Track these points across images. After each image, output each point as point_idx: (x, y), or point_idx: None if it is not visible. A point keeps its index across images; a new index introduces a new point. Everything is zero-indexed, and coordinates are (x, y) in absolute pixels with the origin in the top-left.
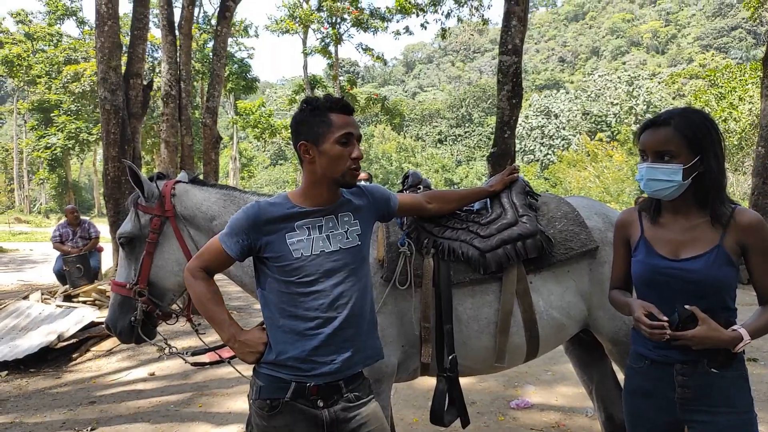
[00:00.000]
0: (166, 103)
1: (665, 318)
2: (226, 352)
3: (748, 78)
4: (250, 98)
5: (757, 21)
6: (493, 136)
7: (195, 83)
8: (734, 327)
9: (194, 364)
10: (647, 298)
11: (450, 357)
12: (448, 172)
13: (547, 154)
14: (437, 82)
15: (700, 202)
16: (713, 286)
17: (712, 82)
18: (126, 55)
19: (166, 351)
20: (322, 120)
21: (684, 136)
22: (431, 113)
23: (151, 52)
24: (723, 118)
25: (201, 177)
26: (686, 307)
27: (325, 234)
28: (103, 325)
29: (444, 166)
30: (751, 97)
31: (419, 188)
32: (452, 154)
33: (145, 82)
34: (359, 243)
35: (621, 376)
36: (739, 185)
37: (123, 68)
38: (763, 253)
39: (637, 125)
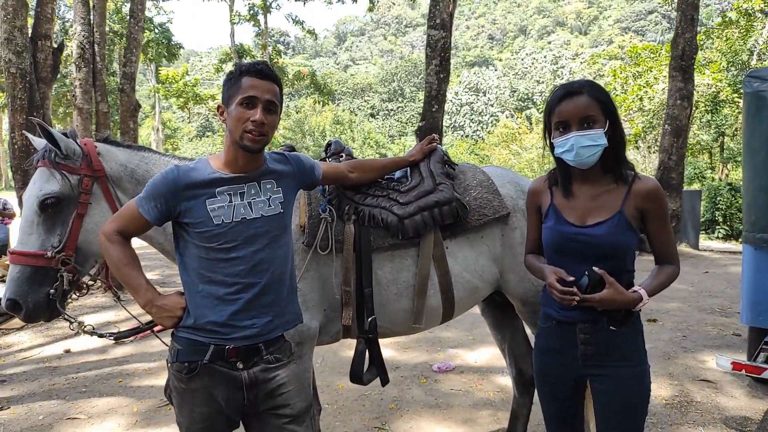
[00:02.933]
0: (79, 68)
1: (572, 279)
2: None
3: (663, 59)
4: (173, 66)
5: (671, 6)
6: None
7: (112, 48)
8: (635, 288)
9: (117, 338)
10: (557, 263)
11: (369, 319)
12: (383, 148)
13: (477, 130)
14: (369, 56)
15: (605, 168)
16: (616, 250)
17: (634, 61)
18: (33, 14)
19: (77, 328)
20: (235, 83)
21: (599, 101)
22: (363, 87)
23: (62, 12)
24: (639, 96)
25: (113, 138)
26: (595, 269)
27: (247, 201)
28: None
29: (377, 141)
30: (665, 77)
31: (341, 156)
32: (386, 129)
33: (55, 45)
34: (282, 211)
35: (531, 335)
36: (650, 162)
37: (30, 29)
38: (660, 218)
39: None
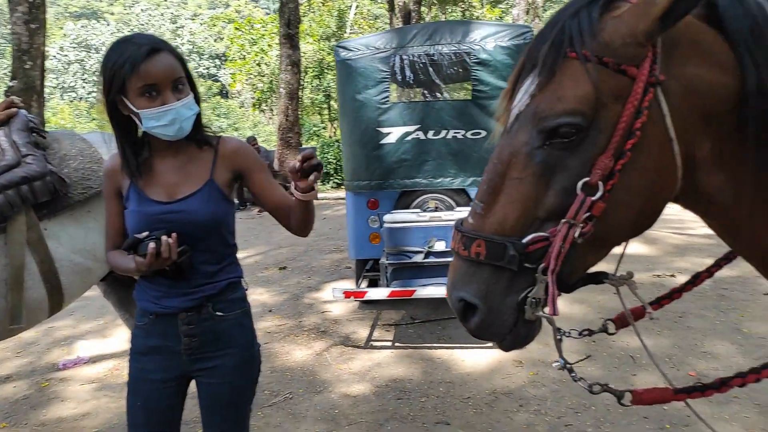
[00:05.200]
0: None
1: (144, 234)
2: None
3: (272, 28)
4: None
5: None
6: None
7: None
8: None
9: None
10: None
11: None
12: None
13: (92, 91)
14: None
15: (187, 135)
16: (212, 223)
17: (246, 30)
18: None
19: None
20: None
21: (181, 61)
22: None
23: None
24: (257, 62)
25: None
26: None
27: None
28: None
29: None
30: (278, 44)
31: None
32: None
33: None
34: None
35: None
36: (273, 124)
37: None
38: (259, 170)
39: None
